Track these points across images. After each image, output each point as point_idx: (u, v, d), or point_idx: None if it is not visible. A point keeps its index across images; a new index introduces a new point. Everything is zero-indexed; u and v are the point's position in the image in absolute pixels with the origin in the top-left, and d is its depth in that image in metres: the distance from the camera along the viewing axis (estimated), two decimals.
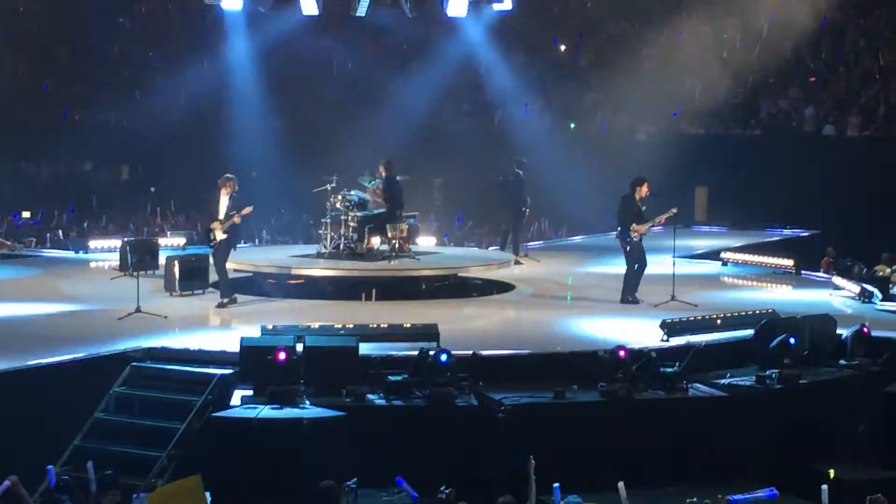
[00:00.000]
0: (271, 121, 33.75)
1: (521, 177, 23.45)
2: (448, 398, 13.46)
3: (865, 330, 15.66)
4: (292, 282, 20.58)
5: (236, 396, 13.48)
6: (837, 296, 20.11)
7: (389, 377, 13.74)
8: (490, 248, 25.23)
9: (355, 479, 10.96)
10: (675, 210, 18.79)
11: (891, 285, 20.53)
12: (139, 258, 19.58)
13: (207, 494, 10.84)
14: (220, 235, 18.11)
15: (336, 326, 15.29)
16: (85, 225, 29.69)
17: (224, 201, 18.13)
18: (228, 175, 18.36)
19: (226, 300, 18.25)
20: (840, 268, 23.42)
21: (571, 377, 14.15)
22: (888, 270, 21.58)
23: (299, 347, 13.83)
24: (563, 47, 36.21)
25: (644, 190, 18.66)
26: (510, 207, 23.70)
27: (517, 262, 22.81)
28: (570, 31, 36.01)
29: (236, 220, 18.04)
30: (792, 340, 14.89)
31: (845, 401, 14.76)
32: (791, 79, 32.22)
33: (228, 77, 33.33)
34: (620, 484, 10.96)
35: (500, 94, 34.82)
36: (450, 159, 30.84)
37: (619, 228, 18.81)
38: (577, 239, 28.82)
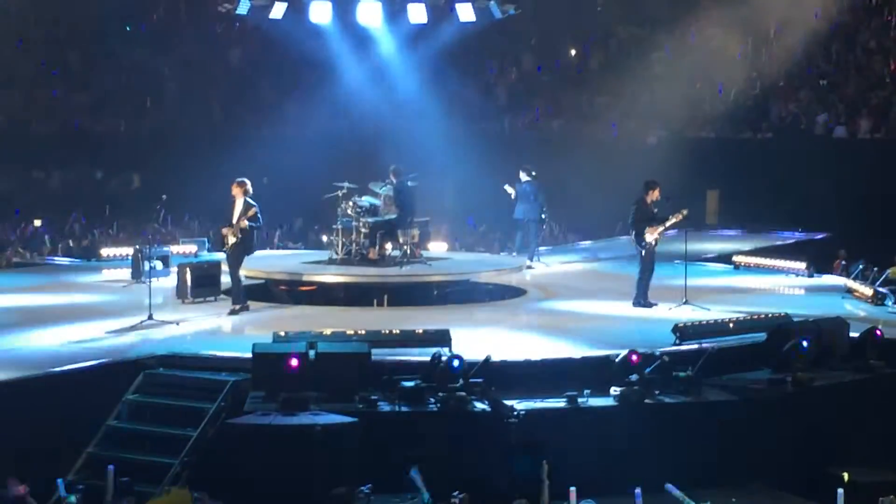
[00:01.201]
0: (283, 127, 33.83)
1: (534, 184, 23.32)
2: (461, 404, 13.45)
3: (878, 333, 15.63)
4: (304, 288, 20.59)
5: (249, 403, 13.48)
6: (850, 299, 20.06)
7: (402, 383, 13.74)
8: (502, 254, 25.23)
9: (369, 485, 10.96)
10: (685, 211, 18.75)
11: None
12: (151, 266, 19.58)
13: (221, 502, 10.90)
14: (231, 240, 18.10)
15: (348, 333, 15.29)
16: (96, 233, 29.72)
17: (238, 205, 18.11)
18: (240, 179, 18.34)
19: (238, 307, 18.24)
20: (852, 270, 23.37)
21: (584, 382, 14.14)
22: None
23: (311, 354, 13.85)
24: (573, 51, 36.20)
25: (655, 194, 18.65)
26: (528, 215, 23.54)
27: (529, 267, 22.82)
28: (581, 35, 35.99)
29: (243, 223, 17.99)
30: (805, 344, 14.89)
31: (858, 404, 14.74)
32: (802, 81, 32.17)
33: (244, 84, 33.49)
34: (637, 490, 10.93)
35: (509, 99, 34.86)
36: (461, 164, 30.82)
37: (632, 233, 18.80)
38: (588, 243, 28.77)
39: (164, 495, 11.38)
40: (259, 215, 18.10)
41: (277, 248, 27.15)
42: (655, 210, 18.65)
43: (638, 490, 10.96)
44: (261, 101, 35.47)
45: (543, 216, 23.62)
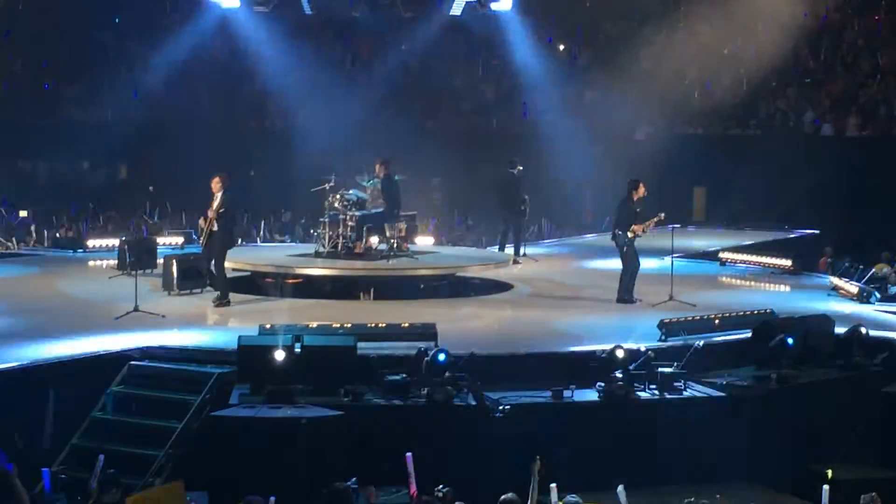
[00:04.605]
0: (265, 119, 33.79)
1: (516, 176, 23.54)
2: (446, 398, 13.46)
3: (863, 330, 15.67)
4: (290, 281, 20.57)
5: (234, 396, 13.47)
6: (835, 296, 20.10)
7: (388, 377, 13.73)
8: (488, 249, 25.24)
9: (355, 479, 10.96)
10: (662, 215, 18.87)
11: (889, 285, 20.54)
12: (137, 257, 19.56)
13: (206, 494, 10.89)
14: (205, 229, 18.13)
15: (334, 326, 15.29)
16: (83, 224, 29.65)
17: (217, 199, 18.11)
18: (220, 173, 18.34)
19: (222, 300, 18.21)
20: (838, 268, 23.43)
21: (569, 377, 14.14)
22: (886, 270, 21.57)
23: (297, 347, 13.84)
24: (561, 46, 36.18)
25: (641, 191, 18.73)
26: (509, 208, 23.80)
27: (515, 262, 22.85)
28: (569, 31, 35.98)
29: (210, 214, 17.99)
30: (790, 340, 14.92)
31: (843, 401, 14.77)
32: (789, 79, 32.21)
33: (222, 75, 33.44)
34: (620, 488, 10.92)
35: (498, 94, 34.85)
36: (448, 159, 30.82)
37: (615, 230, 18.89)
38: (575, 238, 28.80)
39: (156, 488, 11.37)
40: (227, 218, 18.08)
41: (263, 242, 27.10)
42: (638, 210, 18.69)
43: (620, 487, 10.94)
44: (247, 93, 35.40)
45: (523, 208, 23.87)
